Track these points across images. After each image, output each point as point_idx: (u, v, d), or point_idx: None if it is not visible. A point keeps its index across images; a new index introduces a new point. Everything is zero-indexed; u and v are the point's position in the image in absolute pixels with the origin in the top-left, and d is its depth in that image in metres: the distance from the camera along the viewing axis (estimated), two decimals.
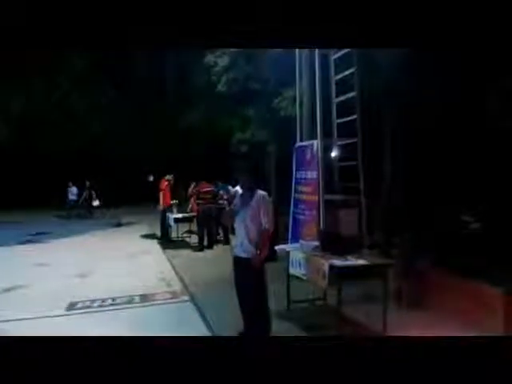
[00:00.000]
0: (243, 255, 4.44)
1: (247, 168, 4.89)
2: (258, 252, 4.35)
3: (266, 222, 4.34)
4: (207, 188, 10.82)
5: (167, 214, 11.63)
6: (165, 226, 11.71)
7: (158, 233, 12.17)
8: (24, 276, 7.68)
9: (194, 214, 11.17)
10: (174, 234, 11.96)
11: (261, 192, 4.46)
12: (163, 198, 11.48)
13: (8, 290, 6.79)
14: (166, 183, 11.56)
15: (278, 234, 4.89)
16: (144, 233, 13.18)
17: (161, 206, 11.53)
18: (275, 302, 5.04)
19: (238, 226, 4.55)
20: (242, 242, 4.46)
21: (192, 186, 11.11)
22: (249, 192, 4.51)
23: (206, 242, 10.69)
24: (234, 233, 5.22)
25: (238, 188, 11.77)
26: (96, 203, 18.50)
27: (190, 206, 11.30)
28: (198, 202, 10.67)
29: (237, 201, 4.66)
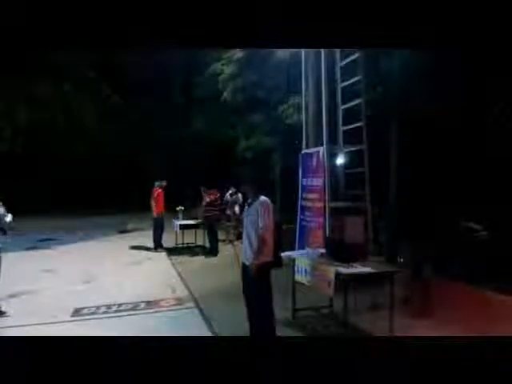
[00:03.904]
0: (247, 262, 4.45)
1: (251, 176, 4.91)
2: (255, 259, 4.30)
3: (261, 226, 4.29)
4: (217, 194, 11.06)
5: (173, 220, 11.63)
6: (157, 235, 11.38)
7: (165, 239, 12.02)
8: (29, 282, 7.69)
9: (200, 220, 11.23)
10: (179, 241, 11.92)
11: (262, 198, 4.46)
12: (156, 206, 11.16)
13: (13, 295, 6.79)
14: (160, 190, 11.26)
15: (281, 241, 4.85)
16: (150, 239, 13.15)
17: (155, 214, 11.19)
18: (280, 309, 5.02)
19: (243, 233, 4.59)
20: (245, 249, 4.50)
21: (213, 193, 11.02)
22: (253, 199, 4.53)
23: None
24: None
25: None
26: (8, 219, 15.75)
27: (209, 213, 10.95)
28: (213, 208, 10.79)
29: (246, 208, 4.68)
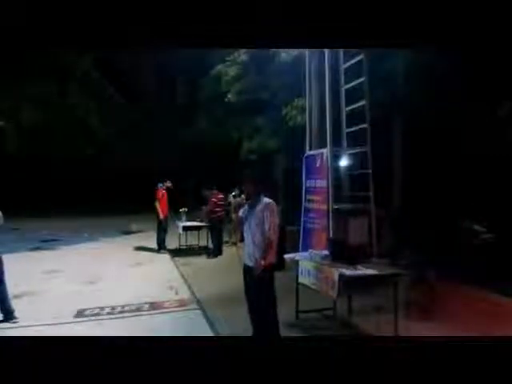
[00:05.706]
0: (250, 264, 4.42)
1: (253, 175, 4.84)
2: (262, 260, 4.27)
3: (269, 228, 4.27)
4: (221, 196, 11.15)
5: (176, 221, 11.66)
6: (161, 237, 11.39)
7: (168, 241, 12.00)
8: (33, 283, 7.72)
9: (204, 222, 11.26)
10: (182, 242, 11.93)
11: (266, 199, 4.43)
12: (160, 208, 11.12)
13: (17, 296, 6.80)
14: (164, 192, 11.26)
15: (285, 242, 4.83)
16: (153, 240, 13.17)
17: (161, 215, 11.15)
18: (284, 311, 5.00)
19: (246, 234, 4.54)
20: (249, 250, 4.45)
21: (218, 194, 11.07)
22: (255, 200, 4.48)
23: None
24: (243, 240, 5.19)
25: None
26: None
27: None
28: (218, 210, 10.85)
29: (245, 208, 4.65)
